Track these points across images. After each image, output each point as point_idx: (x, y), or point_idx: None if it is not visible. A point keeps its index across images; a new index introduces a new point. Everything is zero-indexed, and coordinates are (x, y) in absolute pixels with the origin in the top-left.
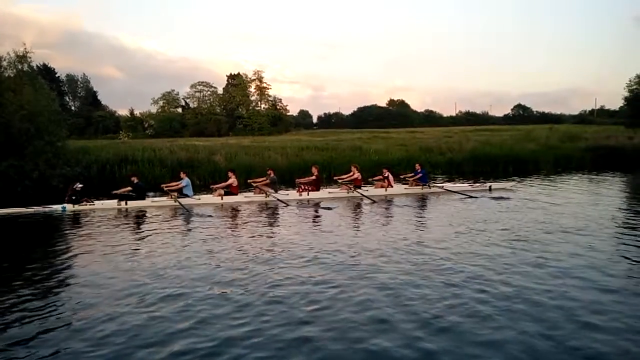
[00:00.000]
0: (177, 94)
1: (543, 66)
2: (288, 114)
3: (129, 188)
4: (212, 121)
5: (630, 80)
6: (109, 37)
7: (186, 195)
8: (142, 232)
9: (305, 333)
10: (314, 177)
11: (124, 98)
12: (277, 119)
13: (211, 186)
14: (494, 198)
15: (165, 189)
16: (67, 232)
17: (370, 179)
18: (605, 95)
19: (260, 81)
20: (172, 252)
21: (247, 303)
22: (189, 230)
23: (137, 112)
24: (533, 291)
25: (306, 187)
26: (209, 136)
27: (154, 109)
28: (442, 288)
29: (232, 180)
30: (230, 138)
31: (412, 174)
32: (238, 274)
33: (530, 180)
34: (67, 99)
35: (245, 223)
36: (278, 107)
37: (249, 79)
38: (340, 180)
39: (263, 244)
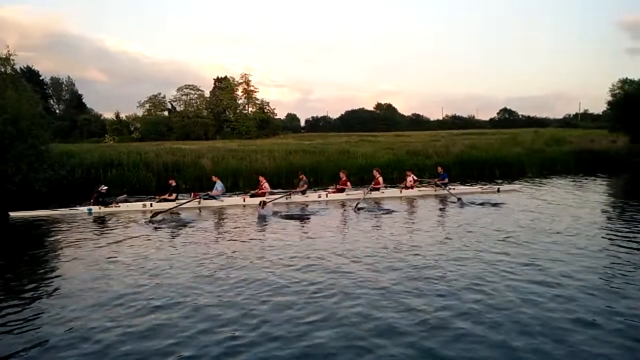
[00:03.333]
0: (164, 97)
1: (528, 70)
2: (275, 117)
3: (174, 194)
4: (198, 124)
5: (613, 85)
6: (93, 40)
7: (212, 198)
8: (164, 234)
9: (304, 340)
10: (344, 181)
11: (110, 101)
12: (265, 123)
13: (253, 191)
14: (481, 204)
15: (208, 195)
16: (92, 234)
17: (397, 184)
18: (589, 99)
19: (248, 84)
20: (190, 256)
21: (251, 309)
22: (209, 231)
23: (123, 116)
24: (534, 295)
25: (332, 190)
26: (196, 139)
27: (140, 112)
28: (439, 291)
29: (266, 184)
30: (217, 141)
31: (439, 178)
32: (252, 278)
33: (523, 184)
34: (52, 102)
35: (259, 223)
36: (265, 111)
37: (236, 82)
38: (372, 186)
39: (270, 247)
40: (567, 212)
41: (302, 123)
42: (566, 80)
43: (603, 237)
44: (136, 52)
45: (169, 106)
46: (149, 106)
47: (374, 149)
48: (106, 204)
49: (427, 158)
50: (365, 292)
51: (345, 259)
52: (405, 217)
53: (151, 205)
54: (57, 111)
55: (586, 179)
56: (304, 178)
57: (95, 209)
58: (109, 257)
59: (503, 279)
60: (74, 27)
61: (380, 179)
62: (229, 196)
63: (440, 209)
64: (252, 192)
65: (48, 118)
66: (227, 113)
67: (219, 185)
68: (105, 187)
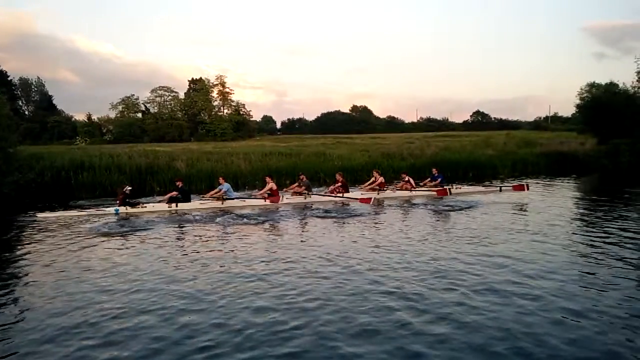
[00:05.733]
0: (137, 98)
1: (500, 74)
2: (251, 119)
3: (175, 193)
4: (173, 126)
5: (581, 89)
6: (64, 40)
7: (230, 198)
8: (190, 234)
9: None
10: (339, 184)
11: (81, 103)
12: (240, 125)
13: (256, 193)
14: (464, 205)
15: (207, 197)
16: (118, 234)
17: (392, 187)
18: (558, 102)
19: (223, 86)
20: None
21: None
22: (233, 233)
23: (94, 117)
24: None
25: (339, 189)
26: (170, 141)
27: (112, 114)
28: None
29: (271, 184)
30: (192, 144)
31: (430, 178)
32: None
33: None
34: (20, 103)
35: (286, 224)
36: (241, 113)
37: (211, 84)
38: (364, 186)
39: (301, 247)
40: (541, 212)
41: (278, 125)
42: (537, 84)
43: (577, 236)
44: (108, 52)
45: (143, 108)
46: (122, 108)
47: (350, 150)
48: (133, 205)
49: (402, 160)
50: (358, 294)
51: (342, 261)
52: (401, 219)
53: (176, 205)
54: (26, 112)
55: (556, 180)
56: (304, 179)
57: (122, 209)
58: (106, 260)
59: (483, 279)
60: (44, 26)
61: (382, 179)
62: (249, 197)
63: (438, 210)
64: (258, 192)
65: (16, 119)
66: (202, 115)
67: (224, 187)
68: (130, 188)
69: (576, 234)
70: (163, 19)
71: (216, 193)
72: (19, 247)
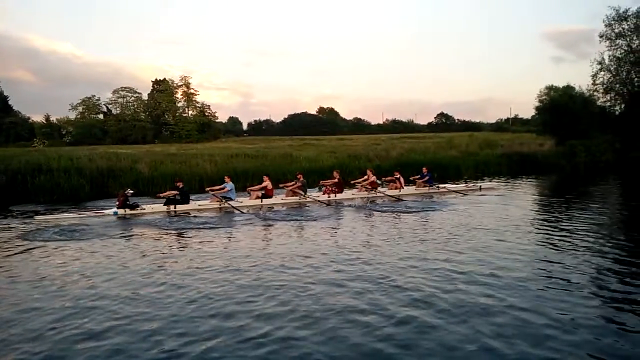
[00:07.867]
0: (98, 99)
1: (463, 76)
2: (217, 120)
3: (176, 192)
4: (136, 128)
5: (540, 91)
6: (18, 39)
7: (230, 199)
8: (190, 236)
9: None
10: (335, 180)
11: (39, 103)
12: (206, 126)
13: (248, 189)
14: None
15: (210, 192)
16: (118, 235)
17: (382, 179)
18: (519, 104)
19: (188, 87)
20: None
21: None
22: (233, 233)
23: (53, 118)
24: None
25: (332, 189)
26: (133, 143)
27: (72, 115)
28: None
29: (267, 183)
30: (156, 145)
31: (419, 176)
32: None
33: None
34: None
35: (283, 224)
36: (206, 114)
37: (175, 85)
38: (354, 182)
39: (305, 248)
40: (508, 212)
41: (245, 127)
42: (499, 87)
43: (541, 235)
44: (67, 51)
45: (104, 109)
46: (82, 109)
47: (317, 152)
48: (132, 207)
49: (369, 161)
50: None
51: (332, 263)
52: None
53: (175, 207)
54: None
55: (517, 181)
56: (301, 178)
57: (121, 211)
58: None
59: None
60: None
61: (374, 178)
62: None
63: (425, 209)
64: (250, 188)
65: None
66: (166, 116)
67: (228, 186)
68: (132, 191)
69: (544, 232)
70: (126, 18)
71: (220, 190)
72: (16, 248)
